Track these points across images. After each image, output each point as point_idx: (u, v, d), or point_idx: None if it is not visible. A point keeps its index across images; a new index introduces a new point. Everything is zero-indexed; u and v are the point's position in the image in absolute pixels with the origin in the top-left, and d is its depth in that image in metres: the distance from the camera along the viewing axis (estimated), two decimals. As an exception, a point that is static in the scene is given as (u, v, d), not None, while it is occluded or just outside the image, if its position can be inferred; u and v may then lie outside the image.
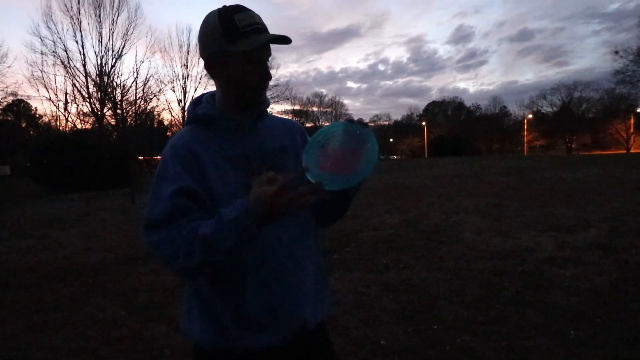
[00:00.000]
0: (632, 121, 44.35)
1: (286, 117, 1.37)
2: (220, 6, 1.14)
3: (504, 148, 57.13)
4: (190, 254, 1.01)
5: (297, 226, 1.18)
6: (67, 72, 24.04)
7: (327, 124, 1.20)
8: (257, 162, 1.15)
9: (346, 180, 1.07)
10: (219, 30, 1.09)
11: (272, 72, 1.21)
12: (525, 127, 52.29)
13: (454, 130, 56.97)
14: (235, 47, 1.08)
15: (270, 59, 1.18)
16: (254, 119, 1.18)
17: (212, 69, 1.15)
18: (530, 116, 53.15)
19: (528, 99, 60.12)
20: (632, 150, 42.29)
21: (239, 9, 1.11)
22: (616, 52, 31.29)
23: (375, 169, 1.07)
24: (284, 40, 1.12)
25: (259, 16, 1.12)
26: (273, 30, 1.14)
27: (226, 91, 1.16)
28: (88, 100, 24.07)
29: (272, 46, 1.14)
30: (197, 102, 1.23)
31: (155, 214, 1.09)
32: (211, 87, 1.24)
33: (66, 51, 24.15)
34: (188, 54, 26.01)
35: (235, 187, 1.11)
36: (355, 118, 1.13)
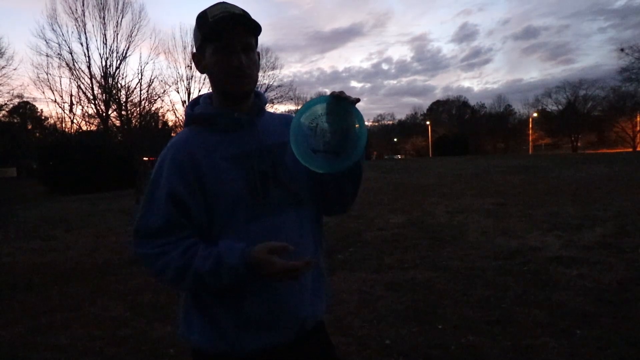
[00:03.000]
0: (638, 119, 43.98)
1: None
2: None
3: (509, 147, 56.78)
4: (179, 279, 1.07)
5: (297, 220, 1.18)
6: (72, 74, 24.12)
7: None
8: (257, 160, 1.14)
9: (341, 162, 1.07)
10: (197, 27, 1.13)
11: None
12: (530, 125, 51.98)
13: (459, 129, 56.66)
14: (205, 38, 1.12)
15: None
16: (252, 115, 1.18)
17: (197, 66, 1.18)
18: (535, 115, 52.77)
19: (533, 98, 59.69)
20: (639, 149, 41.95)
21: (217, 3, 1.13)
22: (622, 50, 31.08)
23: (366, 146, 1.07)
24: (236, 18, 1.08)
25: (238, 7, 1.12)
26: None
27: (212, 87, 1.18)
28: (93, 101, 24.15)
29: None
30: (194, 103, 1.23)
31: (147, 225, 1.10)
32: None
33: (71, 53, 24.24)
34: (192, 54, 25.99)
35: (235, 187, 1.11)
36: (340, 95, 1.08)
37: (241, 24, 1.09)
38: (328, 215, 1.32)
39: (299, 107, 1.20)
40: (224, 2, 1.13)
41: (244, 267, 1.03)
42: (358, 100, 1.08)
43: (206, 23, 1.10)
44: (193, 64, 1.21)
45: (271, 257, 1.02)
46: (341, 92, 1.08)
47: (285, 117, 1.30)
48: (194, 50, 1.19)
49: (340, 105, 1.06)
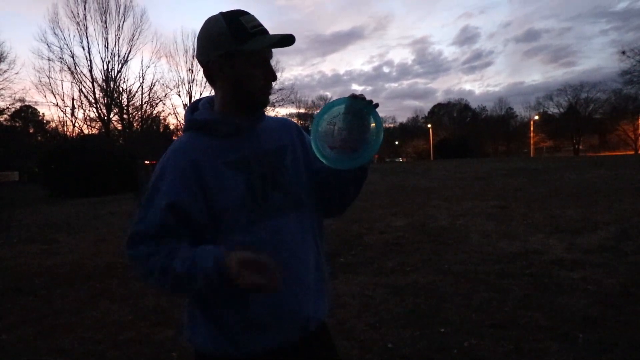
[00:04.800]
0: (640, 122, 43.97)
1: (292, 120, 1.39)
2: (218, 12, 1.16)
3: (510, 150, 56.74)
4: (163, 280, 1.07)
5: (298, 223, 1.19)
6: (74, 78, 24.31)
7: None
8: (257, 165, 1.16)
9: (355, 159, 1.13)
10: (227, 32, 1.10)
11: (277, 75, 1.24)
12: (532, 128, 51.96)
13: (460, 132, 56.68)
14: (245, 47, 1.10)
15: (274, 62, 1.21)
16: (253, 121, 1.19)
17: (218, 71, 1.14)
18: (536, 117, 52.78)
19: (534, 100, 59.53)
20: (640, 151, 41.89)
21: (241, 12, 1.14)
22: (623, 53, 31.08)
23: (381, 146, 1.12)
24: (291, 39, 1.15)
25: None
26: (276, 32, 1.18)
27: (231, 94, 1.16)
28: (95, 105, 24.30)
29: (276, 50, 1.21)
30: (193, 108, 1.24)
31: (142, 228, 1.10)
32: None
33: (73, 57, 24.43)
34: (193, 58, 26.20)
35: (236, 192, 1.12)
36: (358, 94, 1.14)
37: (287, 44, 1.15)
38: (325, 217, 1.33)
39: (306, 111, 1.26)
40: (249, 13, 1.15)
41: (217, 274, 1.01)
42: (377, 104, 1.14)
43: (247, 35, 1.10)
44: (211, 70, 1.16)
45: (240, 270, 0.99)
46: (360, 94, 1.14)
47: (283, 121, 1.33)
48: (215, 55, 1.12)
49: (358, 105, 1.13)
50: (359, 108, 1.13)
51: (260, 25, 1.14)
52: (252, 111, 1.18)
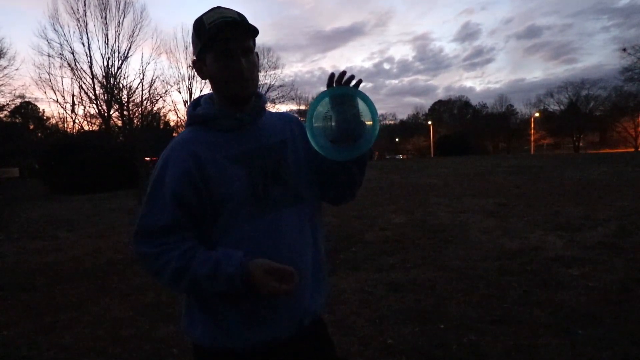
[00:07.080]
0: (640, 119, 43.85)
1: (293, 115, 1.38)
2: None
3: (511, 147, 56.62)
4: (176, 281, 1.09)
5: (297, 217, 1.19)
6: (74, 74, 24.20)
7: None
8: (258, 159, 1.16)
9: (361, 146, 1.12)
10: (194, 35, 1.14)
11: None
12: (532, 125, 51.89)
13: (460, 129, 56.53)
14: (200, 44, 1.12)
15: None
16: (254, 115, 1.19)
17: (199, 73, 1.19)
18: (537, 115, 52.69)
19: (535, 98, 59.47)
20: (641, 149, 41.82)
21: (211, 9, 1.13)
22: (624, 50, 31.01)
23: (380, 125, 1.10)
24: (234, 22, 1.08)
25: (233, 11, 1.12)
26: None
27: (214, 91, 1.19)
28: (95, 102, 24.20)
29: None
30: (196, 103, 1.25)
31: (149, 224, 1.12)
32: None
33: (73, 53, 24.32)
34: (194, 55, 26.11)
35: (237, 186, 1.12)
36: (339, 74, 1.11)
37: (239, 29, 1.10)
38: (339, 203, 1.33)
39: (307, 108, 1.25)
40: (218, 7, 1.13)
41: (240, 278, 1.05)
42: (359, 82, 1.10)
43: (204, 30, 1.10)
44: (194, 70, 1.20)
45: (265, 278, 1.04)
46: (342, 74, 1.10)
47: (284, 115, 1.33)
48: (194, 57, 1.19)
49: (341, 92, 1.11)
50: (342, 94, 1.11)
51: (221, 17, 1.09)
52: (235, 105, 1.17)
